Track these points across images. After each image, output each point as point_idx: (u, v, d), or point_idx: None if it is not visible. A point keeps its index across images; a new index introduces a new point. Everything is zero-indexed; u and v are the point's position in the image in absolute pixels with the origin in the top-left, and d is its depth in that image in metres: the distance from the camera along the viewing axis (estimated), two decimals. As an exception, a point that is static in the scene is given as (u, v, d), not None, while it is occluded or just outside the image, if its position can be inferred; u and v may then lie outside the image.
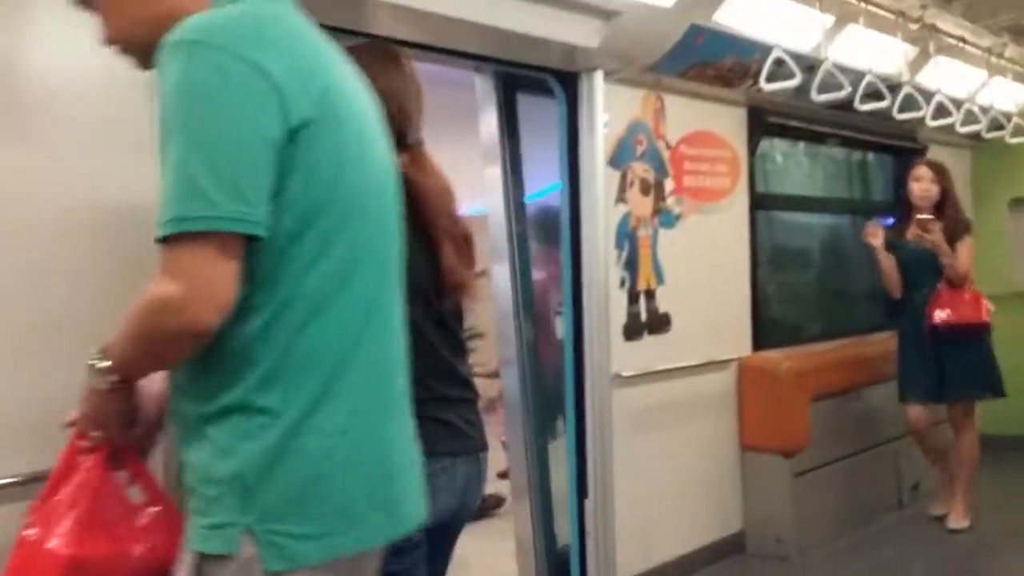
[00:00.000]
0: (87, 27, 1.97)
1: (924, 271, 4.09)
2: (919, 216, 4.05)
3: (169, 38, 1.22)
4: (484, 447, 1.94)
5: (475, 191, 4.46)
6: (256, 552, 1.20)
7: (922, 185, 4.16)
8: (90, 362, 1.32)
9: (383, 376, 1.33)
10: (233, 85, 1.17)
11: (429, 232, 1.84)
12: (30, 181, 1.86)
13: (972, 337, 4.07)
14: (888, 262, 4.20)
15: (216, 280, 1.17)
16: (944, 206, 4.15)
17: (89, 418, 1.35)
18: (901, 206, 4.37)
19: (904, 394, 4.20)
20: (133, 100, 2.00)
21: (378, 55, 1.89)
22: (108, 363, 1.29)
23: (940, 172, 4.20)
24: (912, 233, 4.08)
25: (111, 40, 1.41)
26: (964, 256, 4.05)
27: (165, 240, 1.18)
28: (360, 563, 1.31)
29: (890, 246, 4.21)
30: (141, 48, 1.35)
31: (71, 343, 1.58)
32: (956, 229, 4.09)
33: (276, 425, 1.21)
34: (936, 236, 3.97)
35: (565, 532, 3.38)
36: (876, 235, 4.21)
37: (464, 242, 1.91)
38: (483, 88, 3.42)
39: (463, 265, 1.88)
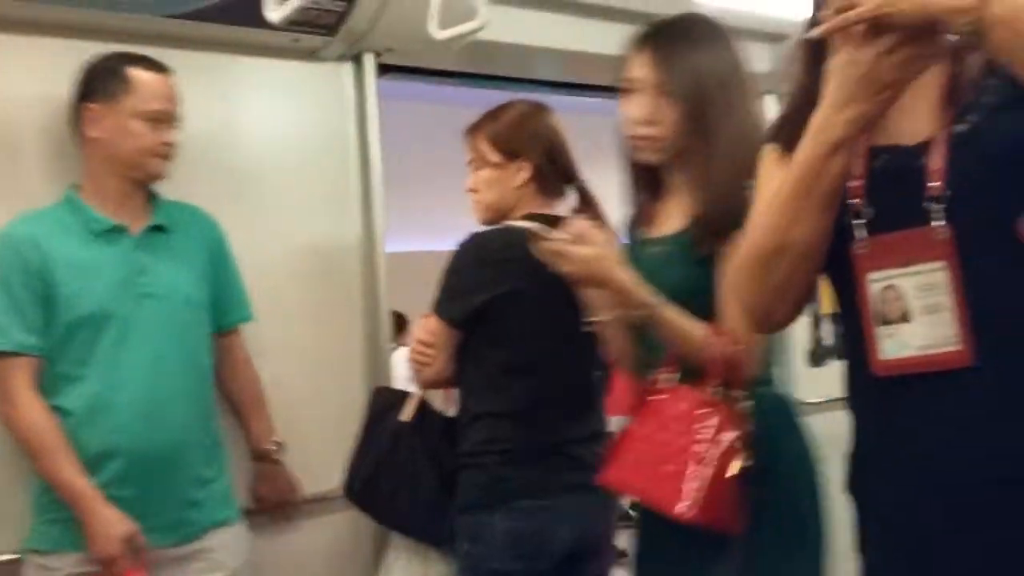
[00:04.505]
0: (295, 109, 2.36)
1: None
2: None
3: None
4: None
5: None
6: None
7: None
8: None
9: None
10: None
11: None
12: (257, 229, 2.28)
13: None
14: None
15: None
16: None
17: None
18: None
19: None
20: (334, 164, 2.43)
21: (538, 108, 2.15)
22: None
23: None
24: None
25: None
26: None
27: None
28: None
29: None
30: None
31: (292, 358, 2.24)
32: None
33: None
34: None
35: None
36: None
37: None
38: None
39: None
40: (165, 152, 1.95)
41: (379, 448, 2.09)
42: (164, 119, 1.93)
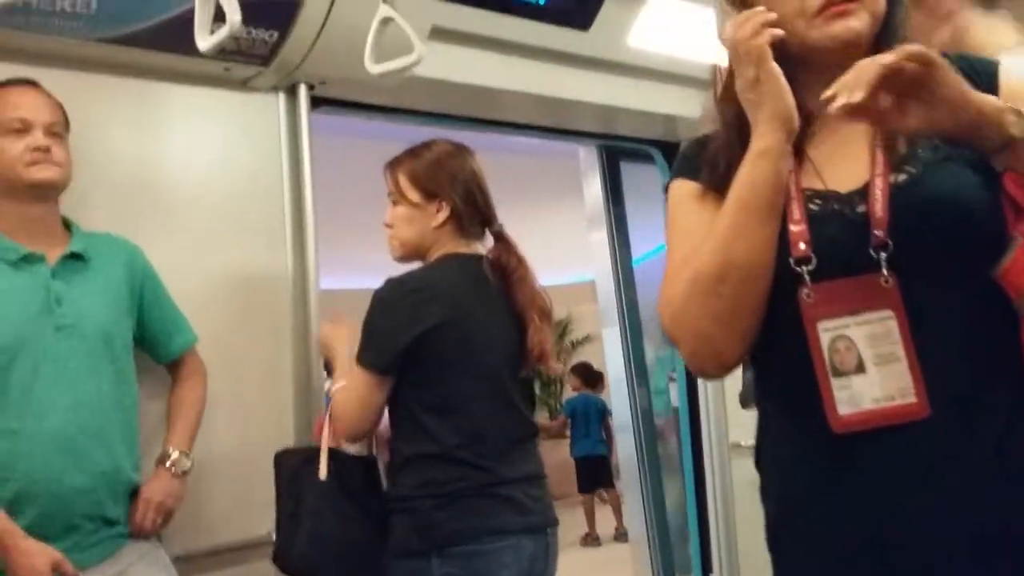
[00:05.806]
0: (226, 139, 2.31)
1: None
2: None
3: None
4: (551, 522, 2.09)
5: (580, 258, 4.68)
6: None
7: None
8: None
9: None
10: None
11: (522, 311, 2.10)
12: (185, 261, 2.24)
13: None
14: None
15: None
16: None
17: None
18: None
19: None
20: (265, 196, 2.40)
21: (460, 149, 2.17)
22: None
23: None
24: None
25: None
26: None
27: None
28: None
29: None
30: None
31: (218, 397, 2.17)
32: None
33: None
34: None
35: (689, 603, 3.50)
36: None
37: (546, 316, 2.15)
38: (586, 157, 3.68)
39: (547, 337, 2.13)
40: (38, 158, 1.87)
41: (306, 518, 2.00)
42: (26, 127, 1.87)
